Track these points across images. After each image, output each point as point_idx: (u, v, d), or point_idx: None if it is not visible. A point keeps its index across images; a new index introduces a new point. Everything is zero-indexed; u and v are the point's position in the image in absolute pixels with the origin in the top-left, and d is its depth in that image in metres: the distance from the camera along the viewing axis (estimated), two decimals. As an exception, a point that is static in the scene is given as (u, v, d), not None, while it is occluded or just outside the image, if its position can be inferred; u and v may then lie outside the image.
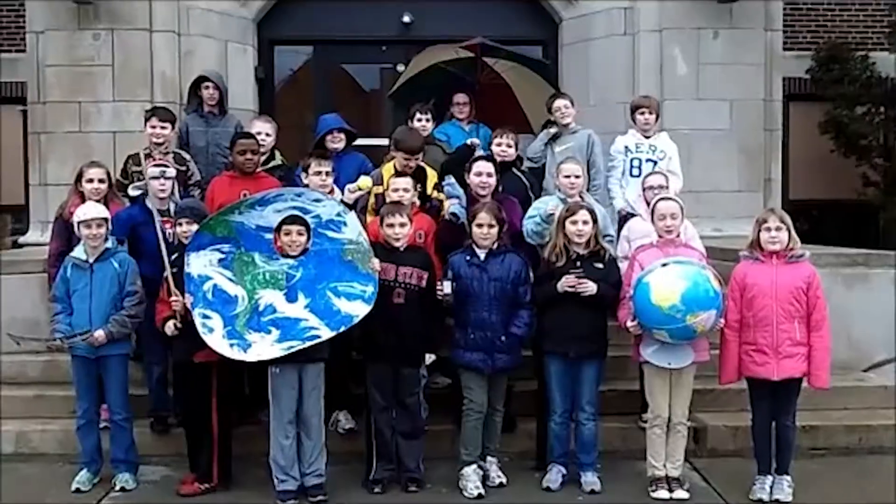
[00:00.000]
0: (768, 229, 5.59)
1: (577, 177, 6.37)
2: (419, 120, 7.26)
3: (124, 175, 6.92)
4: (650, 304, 5.38)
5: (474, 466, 5.87)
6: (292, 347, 5.48)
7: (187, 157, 7.05)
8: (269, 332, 5.54)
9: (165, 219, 6.10)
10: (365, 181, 6.40)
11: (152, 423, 6.50)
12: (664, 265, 5.50)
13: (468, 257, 5.82)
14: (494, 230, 5.81)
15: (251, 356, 5.48)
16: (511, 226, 6.12)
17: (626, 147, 7.25)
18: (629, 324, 5.59)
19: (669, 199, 5.92)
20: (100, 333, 5.67)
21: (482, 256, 5.82)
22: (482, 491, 5.77)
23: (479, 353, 5.75)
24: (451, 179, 6.62)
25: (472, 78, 7.70)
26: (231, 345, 5.48)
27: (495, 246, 5.86)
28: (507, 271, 5.82)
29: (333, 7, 9.70)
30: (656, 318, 5.37)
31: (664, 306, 5.31)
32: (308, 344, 5.50)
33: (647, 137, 7.26)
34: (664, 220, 5.77)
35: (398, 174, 6.29)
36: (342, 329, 5.57)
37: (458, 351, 5.83)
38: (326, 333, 5.54)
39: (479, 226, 5.81)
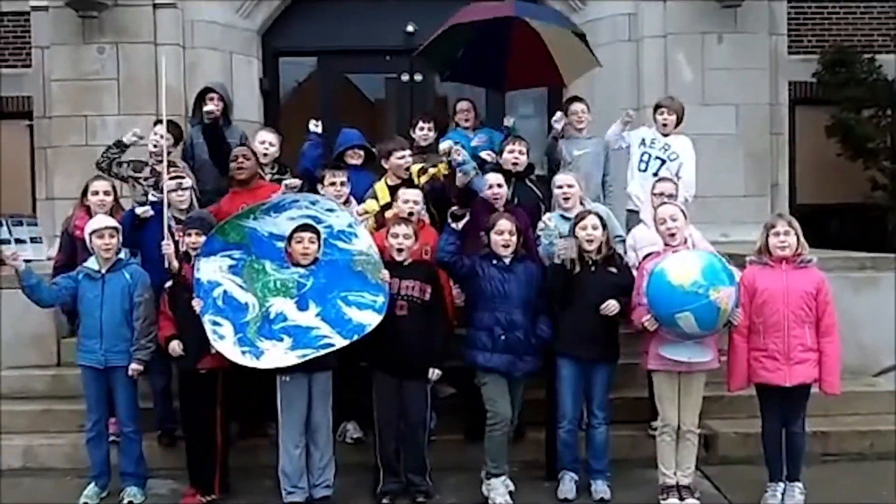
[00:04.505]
0: (777, 234, 5.57)
1: (571, 186, 6.39)
2: (421, 129, 7.26)
3: (106, 166, 6.94)
4: (670, 286, 5.24)
5: (503, 478, 5.82)
6: (307, 355, 5.48)
7: (182, 164, 7.04)
8: (281, 339, 5.55)
9: (177, 228, 6.11)
10: (371, 204, 6.44)
11: (160, 436, 6.50)
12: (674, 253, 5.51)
13: (493, 261, 5.77)
14: (515, 238, 5.78)
15: (265, 363, 5.48)
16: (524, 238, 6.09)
17: (643, 139, 7.24)
18: (644, 319, 5.48)
19: (669, 203, 5.97)
20: (135, 367, 5.72)
21: (507, 261, 5.78)
22: (511, 502, 5.75)
23: (508, 355, 5.67)
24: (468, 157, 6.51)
25: (504, 32, 7.22)
26: (243, 352, 5.49)
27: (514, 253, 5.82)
28: (530, 277, 5.81)
29: (337, 18, 9.72)
30: (678, 300, 5.20)
31: (685, 284, 5.18)
32: (323, 352, 5.51)
33: (665, 136, 7.25)
34: (665, 224, 5.78)
35: (405, 185, 6.29)
36: (355, 338, 5.56)
37: (482, 354, 5.70)
38: (340, 342, 5.54)
39: (500, 233, 5.77)
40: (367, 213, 6.34)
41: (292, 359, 5.48)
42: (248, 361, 5.48)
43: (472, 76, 7.76)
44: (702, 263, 5.30)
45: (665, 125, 7.22)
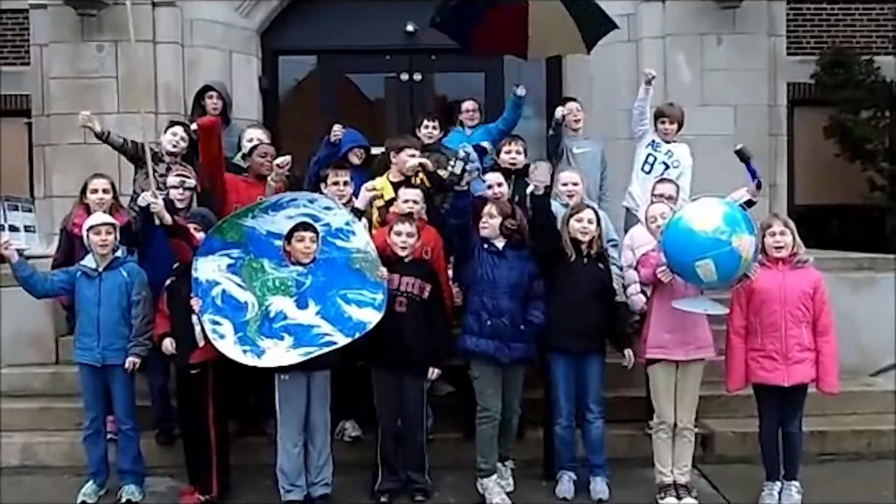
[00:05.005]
0: (773, 234, 5.59)
1: (576, 184, 6.43)
2: (426, 127, 7.27)
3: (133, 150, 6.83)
4: (690, 231, 5.16)
5: (494, 476, 5.83)
6: (309, 353, 5.47)
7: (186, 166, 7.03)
8: (281, 338, 5.54)
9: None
10: (381, 181, 6.39)
11: (157, 434, 6.49)
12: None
13: (486, 245, 5.79)
14: (495, 221, 5.78)
15: (267, 362, 5.47)
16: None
17: (652, 141, 7.26)
18: (659, 270, 5.44)
19: (659, 202, 6.08)
20: (132, 360, 5.71)
21: (500, 245, 5.80)
22: (509, 502, 5.75)
23: (495, 340, 5.67)
24: (472, 152, 6.47)
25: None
26: (244, 351, 5.47)
27: (503, 238, 5.82)
28: (524, 262, 5.81)
29: (337, 17, 9.72)
30: (699, 246, 5.10)
31: (708, 229, 5.09)
32: (326, 350, 5.50)
33: (667, 143, 7.27)
34: (655, 222, 5.89)
35: (405, 185, 6.30)
36: (357, 336, 5.56)
37: (470, 338, 5.71)
38: (342, 340, 5.54)
39: (480, 216, 5.81)
40: (376, 189, 6.27)
41: (294, 357, 5.47)
42: (249, 360, 5.46)
43: (451, 28, 7.61)
44: (723, 210, 5.22)
45: (667, 133, 7.24)
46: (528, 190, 5.95)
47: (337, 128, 6.87)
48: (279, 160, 6.48)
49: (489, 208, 5.84)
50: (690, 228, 5.19)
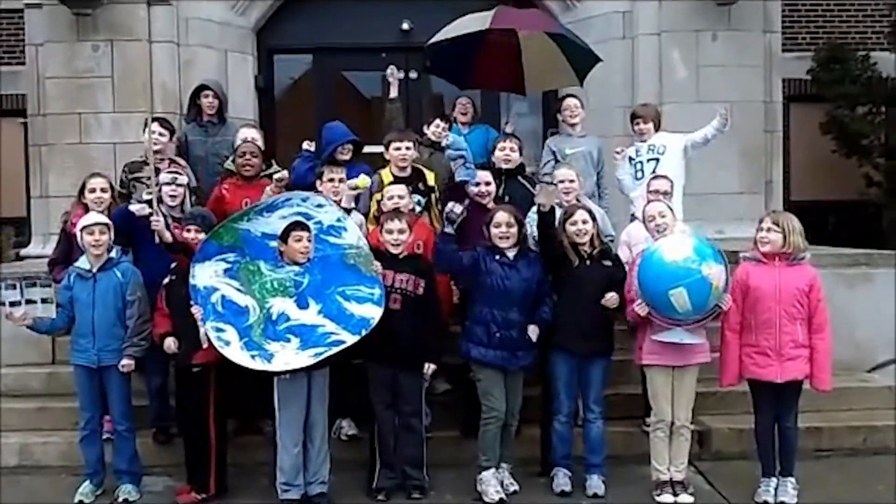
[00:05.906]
0: (760, 229, 5.65)
1: (572, 181, 6.41)
2: (436, 126, 7.30)
3: (121, 185, 6.93)
4: (663, 262, 5.36)
5: (493, 471, 5.83)
6: (320, 354, 5.45)
7: (182, 163, 7.04)
8: (288, 340, 5.50)
9: (174, 225, 6.06)
10: (363, 180, 6.41)
11: (155, 433, 6.50)
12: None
13: (497, 256, 5.75)
14: (514, 230, 5.75)
15: (277, 366, 5.43)
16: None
17: (630, 157, 7.23)
18: (635, 304, 5.52)
19: (656, 200, 6.06)
20: (126, 363, 5.69)
21: (511, 255, 5.76)
22: (503, 496, 5.75)
23: (503, 351, 5.68)
24: (458, 140, 6.48)
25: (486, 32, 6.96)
26: (252, 356, 5.42)
27: (517, 247, 5.79)
28: (533, 269, 5.80)
29: (332, 15, 9.72)
30: (672, 276, 5.30)
31: (679, 259, 5.31)
32: (335, 349, 5.47)
33: (645, 141, 7.26)
34: (654, 221, 5.87)
35: (395, 180, 6.31)
36: (363, 333, 5.53)
37: (476, 348, 5.71)
38: (349, 338, 5.51)
39: (497, 225, 5.74)
40: (357, 188, 6.28)
41: (304, 359, 5.44)
42: (259, 365, 5.41)
43: (442, 67, 7.67)
44: (693, 242, 5.45)
45: (643, 133, 7.20)
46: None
47: (306, 143, 6.91)
48: (277, 175, 6.46)
49: (504, 217, 5.75)
50: (662, 260, 5.39)
